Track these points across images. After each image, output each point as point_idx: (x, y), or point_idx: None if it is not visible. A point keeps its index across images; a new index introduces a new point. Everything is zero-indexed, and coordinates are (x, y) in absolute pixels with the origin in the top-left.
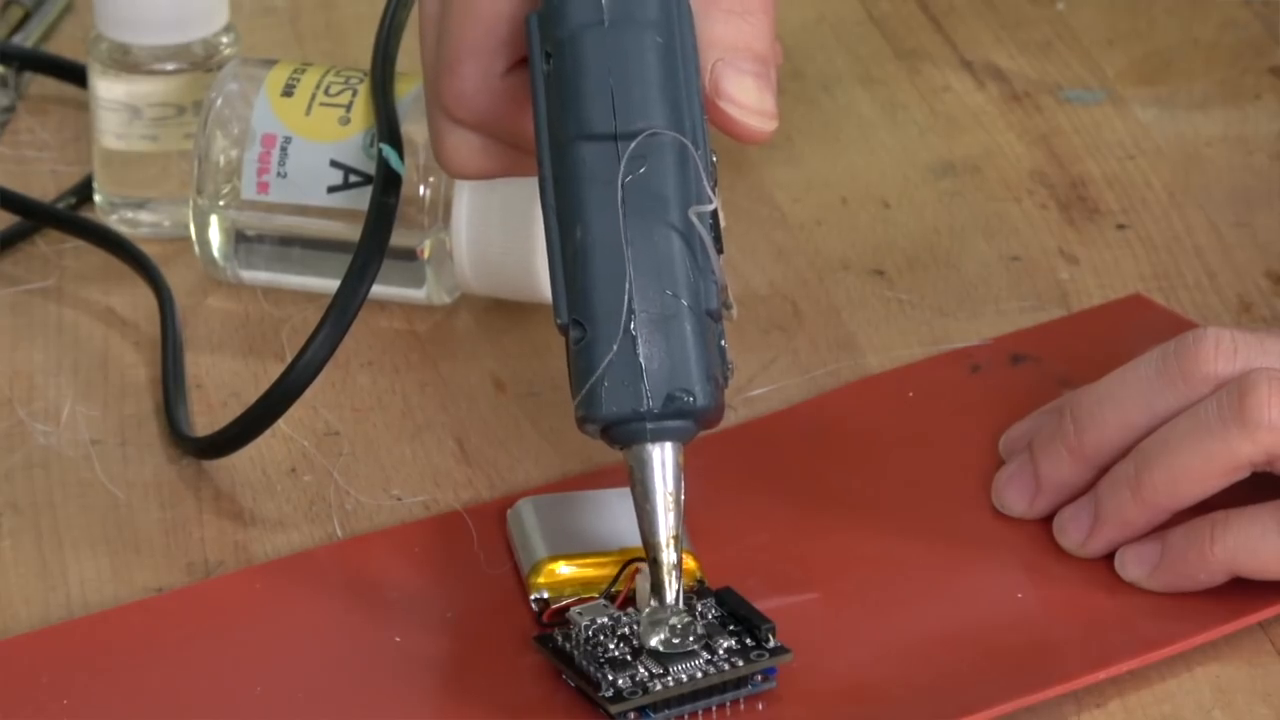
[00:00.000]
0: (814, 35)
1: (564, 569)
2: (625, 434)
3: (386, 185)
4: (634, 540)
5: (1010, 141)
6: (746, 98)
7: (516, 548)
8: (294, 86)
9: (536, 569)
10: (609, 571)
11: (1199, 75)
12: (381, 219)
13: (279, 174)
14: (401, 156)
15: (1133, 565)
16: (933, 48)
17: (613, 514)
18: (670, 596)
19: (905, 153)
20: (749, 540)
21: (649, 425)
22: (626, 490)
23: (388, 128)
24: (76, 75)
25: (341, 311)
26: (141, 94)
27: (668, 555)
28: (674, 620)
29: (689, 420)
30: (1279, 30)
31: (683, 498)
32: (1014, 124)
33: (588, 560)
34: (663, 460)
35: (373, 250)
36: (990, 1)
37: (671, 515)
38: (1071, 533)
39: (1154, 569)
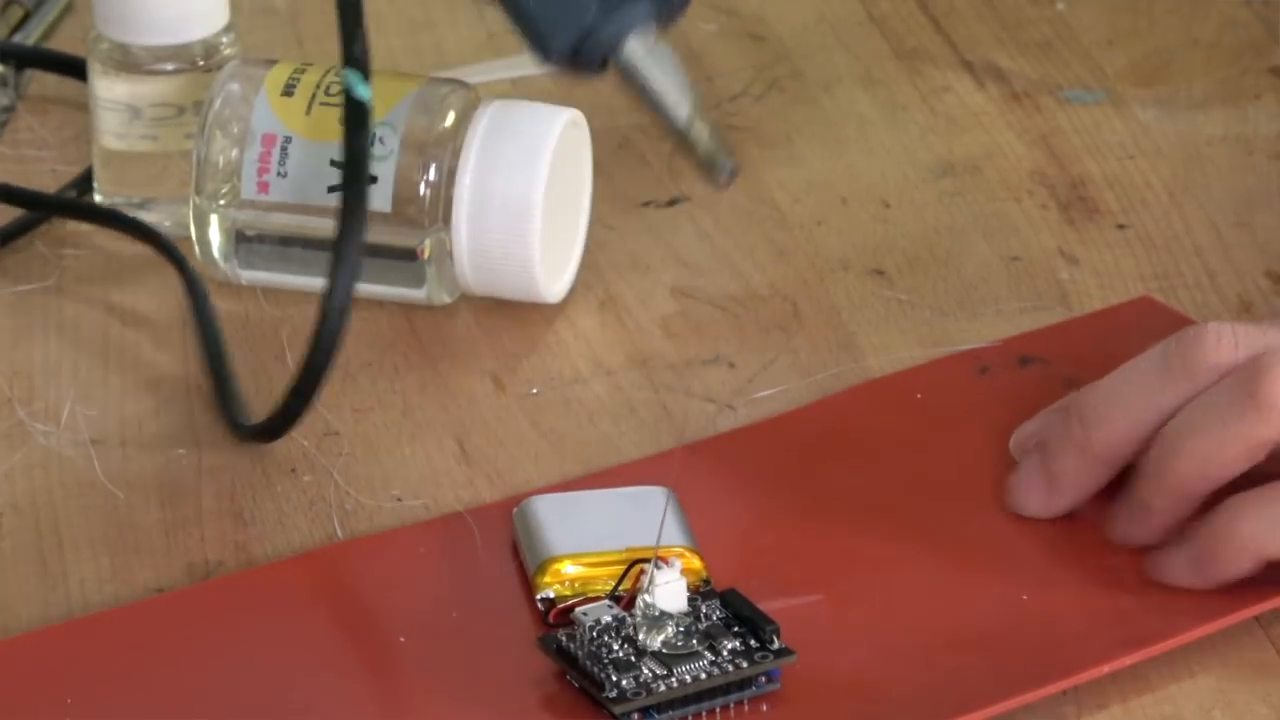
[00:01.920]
0: (814, 35)
1: (570, 568)
2: (593, 51)
3: (354, 120)
4: (639, 540)
5: (1010, 141)
6: None
7: (522, 547)
8: (294, 86)
9: (543, 569)
10: (615, 571)
11: (1199, 75)
12: (357, 158)
13: (279, 173)
14: (367, 79)
15: (1171, 570)
16: (933, 48)
17: (618, 514)
18: (726, 172)
19: (905, 153)
20: (754, 542)
21: (603, 32)
22: (632, 490)
23: (355, 54)
24: (77, 70)
25: (345, 256)
26: (141, 94)
27: (698, 133)
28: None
29: (641, 1)
30: (1279, 30)
31: (686, 79)
32: (1014, 124)
33: (594, 560)
34: (642, 51)
35: (357, 188)
36: (990, 1)
37: (683, 99)
38: (1135, 537)
39: (1192, 570)
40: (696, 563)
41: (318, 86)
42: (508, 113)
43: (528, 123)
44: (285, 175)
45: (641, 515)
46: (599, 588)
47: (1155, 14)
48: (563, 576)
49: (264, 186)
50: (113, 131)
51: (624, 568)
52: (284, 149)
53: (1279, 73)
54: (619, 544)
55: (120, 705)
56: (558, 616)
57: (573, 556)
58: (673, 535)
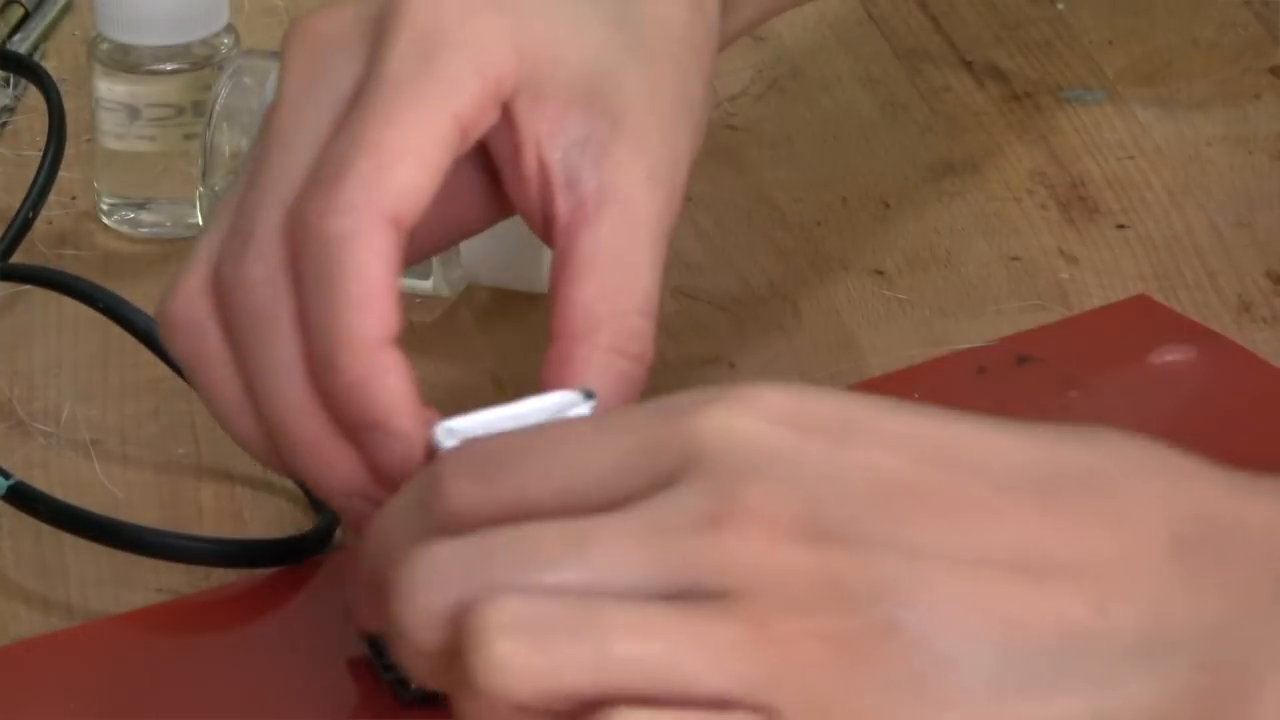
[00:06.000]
0: (814, 35)
1: None
2: None
3: None
4: None
5: (1010, 141)
6: None
7: None
8: None
9: None
10: None
11: (1199, 75)
12: None
13: None
14: None
15: None
16: (933, 48)
17: None
18: None
19: (905, 153)
20: None
21: None
22: None
23: None
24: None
25: None
26: (141, 94)
27: None
28: None
29: None
30: (1279, 30)
31: None
32: (1014, 124)
33: None
34: None
35: None
36: (990, 1)
37: None
38: None
39: None
40: None
41: None
42: None
43: None
44: None
45: None
46: None
47: (1155, 14)
48: None
49: None
50: (113, 132)
51: None
52: None
53: (1279, 73)
54: None
55: (123, 712)
56: None
57: None
58: None
